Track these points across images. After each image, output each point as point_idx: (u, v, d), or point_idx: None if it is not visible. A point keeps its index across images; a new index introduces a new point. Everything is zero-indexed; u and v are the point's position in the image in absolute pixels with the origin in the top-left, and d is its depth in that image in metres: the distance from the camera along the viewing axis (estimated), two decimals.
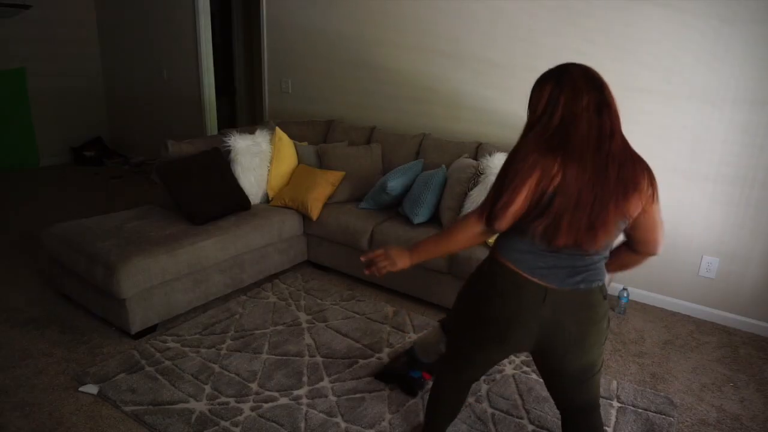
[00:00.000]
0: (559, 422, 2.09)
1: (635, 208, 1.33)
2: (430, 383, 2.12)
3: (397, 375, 2.24)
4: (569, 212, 1.29)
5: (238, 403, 2.11)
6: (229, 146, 3.22)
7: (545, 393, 2.25)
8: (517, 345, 1.45)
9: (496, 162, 2.81)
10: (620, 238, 1.47)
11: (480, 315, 1.46)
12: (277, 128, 3.47)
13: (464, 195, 2.88)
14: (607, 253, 1.43)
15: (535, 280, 1.37)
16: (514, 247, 1.40)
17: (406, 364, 2.22)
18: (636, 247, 1.46)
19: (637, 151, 1.36)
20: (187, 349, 2.46)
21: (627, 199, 1.30)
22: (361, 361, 2.43)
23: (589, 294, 1.39)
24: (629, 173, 1.30)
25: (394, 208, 3.25)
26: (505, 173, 1.35)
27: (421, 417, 2.08)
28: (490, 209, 1.36)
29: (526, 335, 1.41)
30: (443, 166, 3.11)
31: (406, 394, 2.20)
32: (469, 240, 1.44)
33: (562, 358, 1.44)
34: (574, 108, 1.29)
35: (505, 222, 1.35)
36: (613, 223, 1.31)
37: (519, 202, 1.32)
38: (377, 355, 2.49)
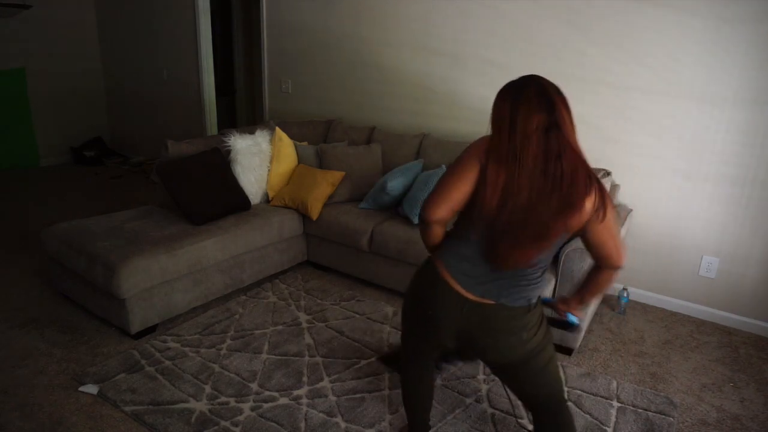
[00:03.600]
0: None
1: (570, 227, 1.36)
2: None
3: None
4: (501, 229, 1.36)
5: (238, 403, 2.11)
6: (229, 146, 3.22)
7: None
8: (442, 342, 1.56)
9: None
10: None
11: (414, 312, 1.59)
12: (277, 128, 3.47)
13: None
14: (537, 271, 1.46)
15: (457, 287, 1.46)
16: (451, 250, 1.50)
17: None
18: (599, 263, 1.49)
19: (592, 168, 1.38)
20: (187, 349, 2.46)
21: (561, 219, 1.34)
22: (361, 361, 2.43)
23: (503, 308, 1.45)
24: (571, 196, 1.32)
25: (394, 208, 3.25)
26: (450, 168, 1.46)
27: None
28: (424, 200, 1.50)
29: (446, 336, 1.53)
30: (443, 166, 3.11)
31: None
32: (427, 238, 1.58)
33: (484, 357, 1.55)
34: (527, 129, 1.32)
35: (432, 212, 1.45)
36: (530, 244, 1.37)
37: (449, 195, 1.42)
38: (377, 355, 2.49)
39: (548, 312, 1.70)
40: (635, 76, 2.95)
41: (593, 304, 2.50)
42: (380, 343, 2.59)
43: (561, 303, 1.65)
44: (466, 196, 1.42)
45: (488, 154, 1.37)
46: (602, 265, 1.47)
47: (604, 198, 1.36)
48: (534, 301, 1.49)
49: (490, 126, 1.42)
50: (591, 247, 1.44)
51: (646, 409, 2.20)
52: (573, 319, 2.16)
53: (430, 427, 1.91)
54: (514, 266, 1.41)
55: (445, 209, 1.45)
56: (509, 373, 1.57)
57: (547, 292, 2.48)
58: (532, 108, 1.33)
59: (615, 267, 1.45)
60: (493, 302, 1.45)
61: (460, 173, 1.42)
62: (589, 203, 1.34)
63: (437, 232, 1.54)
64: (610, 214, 1.37)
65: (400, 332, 1.85)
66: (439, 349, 1.70)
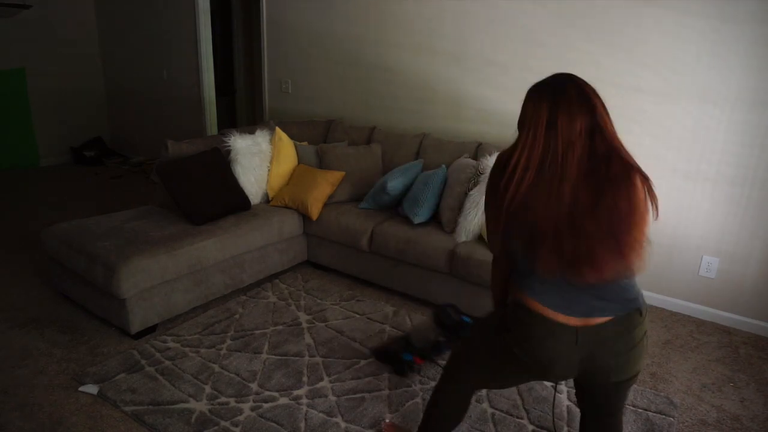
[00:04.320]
0: (559, 422, 2.09)
1: (645, 225, 1.26)
2: (419, 367, 2.37)
3: (392, 355, 2.38)
4: (564, 239, 1.24)
5: (238, 403, 2.11)
6: (229, 146, 3.22)
7: (545, 393, 2.26)
8: (560, 377, 1.41)
9: None
10: None
11: (516, 359, 1.38)
12: (277, 128, 3.47)
13: (464, 195, 2.88)
14: (633, 278, 1.33)
15: (562, 319, 1.30)
16: (532, 285, 1.33)
17: (402, 346, 2.37)
18: None
19: (637, 160, 1.30)
20: (187, 349, 2.46)
21: (633, 226, 1.23)
22: (361, 361, 2.43)
23: (622, 321, 1.31)
24: (628, 199, 1.23)
25: (394, 208, 3.25)
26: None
27: (421, 415, 2.08)
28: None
29: (566, 370, 1.36)
30: (443, 166, 3.11)
31: (396, 373, 2.34)
32: (497, 283, 1.48)
33: (605, 379, 1.38)
34: (571, 135, 1.24)
35: (493, 247, 1.38)
36: (621, 251, 1.23)
37: (496, 228, 1.34)
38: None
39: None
40: (635, 76, 2.95)
41: None
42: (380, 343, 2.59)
43: None
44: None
45: (512, 170, 1.27)
46: None
47: (654, 198, 1.28)
48: (638, 306, 1.33)
49: (522, 129, 1.32)
50: None
51: (646, 409, 2.20)
52: (468, 318, 2.24)
53: None
54: (594, 278, 1.24)
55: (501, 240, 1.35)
56: (614, 390, 1.41)
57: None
58: (574, 110, 1.24)
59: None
60: (601, 321, 1.30)
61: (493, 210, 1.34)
62: (645, 200, 1.25)
63: (502, 265, 1.44)
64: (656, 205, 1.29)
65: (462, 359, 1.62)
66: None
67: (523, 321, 1.34)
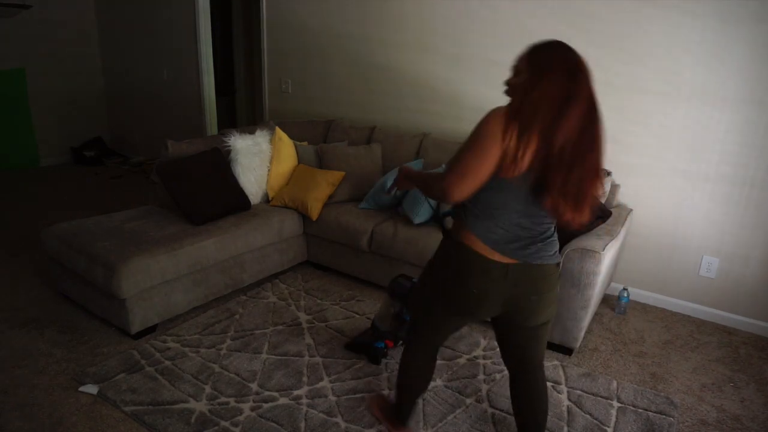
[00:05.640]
0: (559, 422, 2.09)
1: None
2: (391, 350, 2.48)
3: (364, 345, 2.46)
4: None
5: (238, 403, 2.11)
6: (229, 146, 3.22)
7: None
8: (485, 315, 1.61)
9: None
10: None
11: (452, 292, 1.57)
12: (277, 128, 3.47)
13: None
14: (552, 228, 1.54)
15: (498, 257, 1.47)
16: (481, 226, 1.49)
17: (372, 336, 2.44)
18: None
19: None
20: (186, 349, 2.46)
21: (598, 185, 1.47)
22: (361, 361, 2.43)
23: (544, 268, 1.52)
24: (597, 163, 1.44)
25: (394, 208, 3.25)
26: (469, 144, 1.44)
27: (421, 416, 2.09)
28: (445, 180, 1.45)
29: (492, 306, 1.56)
30: (443, 165, 3.11)
31: (371, 362, 2.43)
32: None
33: (524, 320, 1.59)
34: (576, 118, 1.36)
35: (458, 193, 1.42)
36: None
37: (476, 174, 1.41)
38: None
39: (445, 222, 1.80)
40: (635, 77, 2.95)
41: (593, 304, 2.50)
42: None
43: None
44: (493, 170, 1.39)
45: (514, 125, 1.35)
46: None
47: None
48: (557, 260, 1.57)
49: (527, 75, 1.39)
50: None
51: (646, 409, 2.20)
52: (381, 344, 2.34)
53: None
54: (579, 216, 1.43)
55: (472, 187, 1.41)
56: (528, 334, 1.63)
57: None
58: (583, 101, 1.36)
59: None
60: (537, 263, 1.49)
61: (483, 150, 1.38)
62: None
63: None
64: None
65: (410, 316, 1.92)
66: (459, 328, 1.78)
67: (463, 258, 1.52)
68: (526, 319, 1.59)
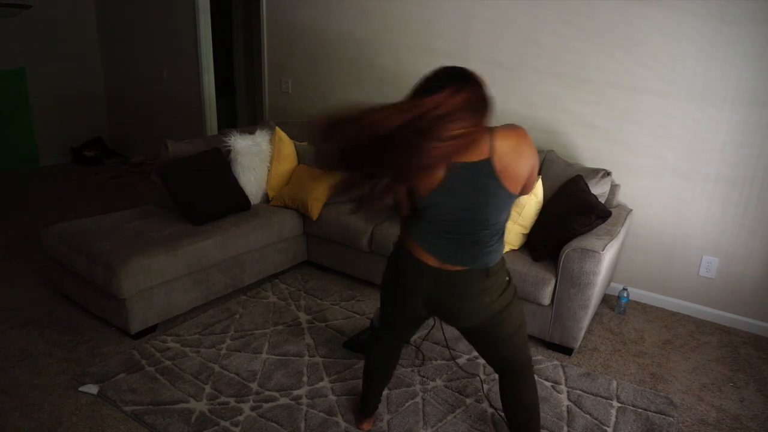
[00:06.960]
0: (559, 422, 2.10)
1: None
2: None
3: (363, 344, 2.46)
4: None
5: (238, 403, 2.11)
6: (229, 146, 3.22)
7: (544, 393, 2.26)
8: (414, 307, 1.68)
9: None
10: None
11: (395, 290, 1.71)
12: (277, 128, 3.47)
13: None
14: (492, 235, 1.57)
15: (429, 260, 1.57)
16: (417, 233, 1.60)
17: (371, 335, 2.40)
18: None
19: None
20: (187, 349, 2.46)
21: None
22: (361, 361, 2.43)
23: (467, 273, 1.57)
24: None
25: (395, 207, 3.24)
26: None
27: (421, 416, 2.09)
28: None
29: (418, 302, 1.65)
30: None
31: None
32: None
33: (454, 322, 1.69)
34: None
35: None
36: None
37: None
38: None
39: None
40: (635, 77, 2.95)
41: (593, 304, 2.50)
42: None
43: None
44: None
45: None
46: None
47: None
48: (492, 265, 1.59)
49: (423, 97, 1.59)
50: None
51: (646, 409, 2.20)
52: None
53: (380, 402, 2.05)
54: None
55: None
56: (478, 336, 1.72)
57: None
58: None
59: None
60: (457, 268, 1.56)
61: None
62: None
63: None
64: None
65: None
66: (413, 324, 1.82)
67: (404, 259, 1.64)
68: (456, 321, 1.68)
